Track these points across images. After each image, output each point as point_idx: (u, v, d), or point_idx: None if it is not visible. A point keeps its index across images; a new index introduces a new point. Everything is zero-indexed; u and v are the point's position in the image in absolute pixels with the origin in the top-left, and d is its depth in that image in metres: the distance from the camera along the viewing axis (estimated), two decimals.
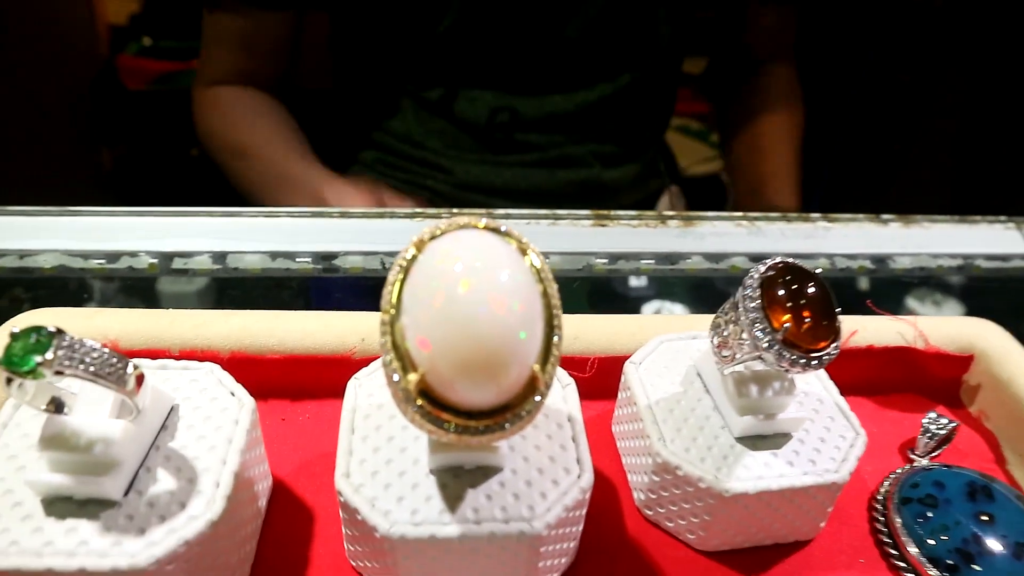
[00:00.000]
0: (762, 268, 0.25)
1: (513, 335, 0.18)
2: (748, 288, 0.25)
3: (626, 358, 0.31)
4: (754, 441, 0.27)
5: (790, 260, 0.25)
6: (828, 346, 0.24)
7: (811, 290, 0.25)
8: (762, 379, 0.27)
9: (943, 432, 0.32)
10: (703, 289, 0.46)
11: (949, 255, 0.48)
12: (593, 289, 0.46)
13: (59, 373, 0.20)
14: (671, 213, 0.49)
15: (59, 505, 0.22)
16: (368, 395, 0.26)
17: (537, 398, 0.20)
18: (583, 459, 0.25)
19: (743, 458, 0.26)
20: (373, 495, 0.23)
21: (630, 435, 0.30)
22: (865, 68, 1.13)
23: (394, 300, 0.20)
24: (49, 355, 0.19)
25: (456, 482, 0.23)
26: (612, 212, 0.48)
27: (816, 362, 0.24)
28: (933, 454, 0.32)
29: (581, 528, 0.26)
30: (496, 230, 0.21)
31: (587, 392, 0.33)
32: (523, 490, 0.23)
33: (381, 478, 0.23)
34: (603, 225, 0.48)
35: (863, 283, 0.47)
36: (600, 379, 0.32)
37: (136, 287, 0.42)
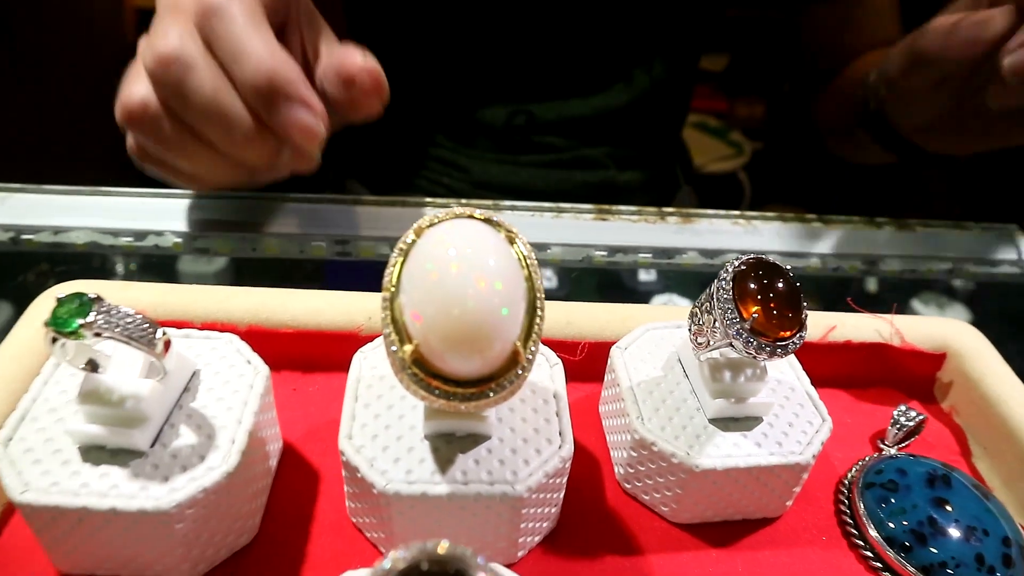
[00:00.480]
0: (736, 263, 0.27)
1: (496, 311, 0.20)
2: (722, 280, 0.27)
3: (614, 344, 0.33)
4: (726, 423, 0.29)
5: (763, 256, 0.28)
6: (793, 335, 0.27)
7: (780, 285, 0.27)
8: (735, 366, 0.29)
9: (911, 424, 0.34)
10: (700, 283, 0.48)
11: (939, 258, 0.50)
12: (601, 281, 0.48)
13: (97, 335, 0.22)
14: (670, 210, 0.51)
15: (94, 453, 0.25)
16: (371, 367, 0.29)
17: (519, 371, 0.22)
18: (565, 432, 0.27)
19: (714, 438, 0.29)
20: (372, 456, 0.25)
21: (613, 414, 0.32)
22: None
23: (394, 280, 0.22)
24: (90, 318, 0.22)
25: (448, 447, 0.26)
26: (613, 207, 0.50)
27: (781, 350, 0.26)
28: (902, 444, 0.34)
29: (562, 496, 0.28)
30: (488, 220, 0.23)
31: (577, 375, 0.35)
32: (508, 457, 0.26)
33: (380, 441, 0.26)
34: (604, 219, 0.50)
35: (853, 283, 0.49)
36: (590, 363, 0.35)
37: (161, 264, 0.45)
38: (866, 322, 0.37)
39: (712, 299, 0.27)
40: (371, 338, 0.32)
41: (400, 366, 0.22)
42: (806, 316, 0.27)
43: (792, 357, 0.33)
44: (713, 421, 0.29)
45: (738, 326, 0.26)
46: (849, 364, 0.37)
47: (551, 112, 0.65)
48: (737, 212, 0.51)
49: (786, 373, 0.32)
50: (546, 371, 0.29)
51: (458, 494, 0.24)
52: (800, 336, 0.27)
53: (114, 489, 0.24)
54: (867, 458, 0.33)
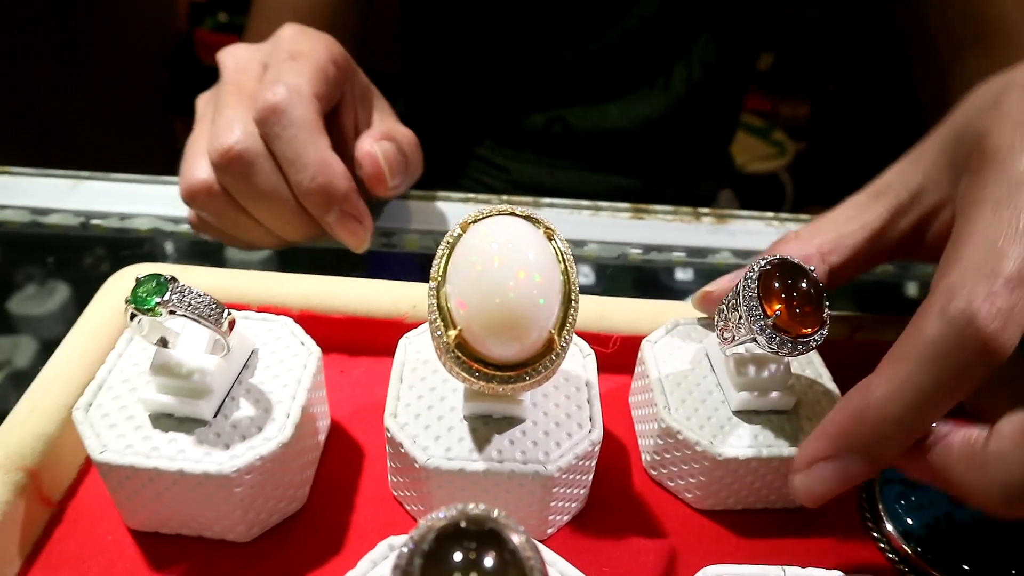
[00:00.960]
0: (762, 262, 0.29)
1: (534, 301, 0.22)
2: (748, 279, 0.28)
3: (645, 337, 0.35)
4: (749, 415, 0.31)
5: (788, 257, 0.29)
6: (814, 333, 0.28)
7: (803, 284, 0.28)
8: (759, 361, 0.30)
9: None
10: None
11: None
12: (636, 278, 0.50)
13: (172, 313, 0.25)
14: (705, 210, 0.52)
15: (163, 420, 0.27)
16: (416, 352, 0.31)
17: (553, 357, 0.24)
18: (595, 418, 0.29)
19: (737, 428, 0.30)
20: (415, 433, 0.27)
21: (642, 404, 0.33)
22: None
23: (440, 270, 0.24)
24: (166, 297, 0.24)
25: (485, 428, 0.28)
26: (650, 206, 0.52)
27: (802, 346, 0.28)
28: None
29: (590, 479, 0.30)
30: (528, 217, 0.25)
31: (610, 367, 0.37)
32: (541, 439, 0.27)
33: (422, 420, 0.28)
34: (640, 218, 0.51)
35: (886, 286, 0.49)
36: (621, 356, 0.36)
37: (210, 252, 0.48)
38: (892, 323, 0.38)
39: (738, 296, 0.29)
40: (415, 325, 0.34)
41: (444, 349, 0.24)
42: (827, 315, 0.29)
43: (815, 355, 0.34)
44: (737, 413, 0.31)
45: (762, 322, 0.28)
46: (875, 364, 0.38)
47: (587, 121, 0.66)
48: (771, 214, 0.52)
49: (808, 370, 0.33)
50: (579, 361, 0.31)
51: (493, 471, 0.26)
52: (821, 334, 0.28)
53: (181, 453, 0.26)
54: None
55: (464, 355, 0.24)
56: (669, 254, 0.49)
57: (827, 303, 0.28)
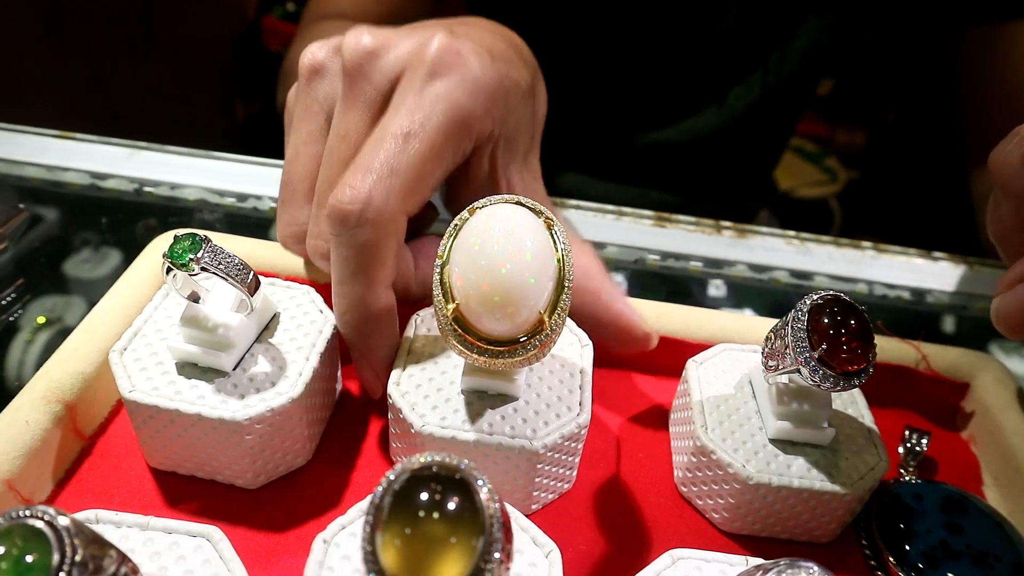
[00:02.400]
0: (815, 296, 0.29)
1: (524, 280, 0.24)
2: (799, 311, 0.29)
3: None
4: (785, 445, 0.31)
5: (841, 294, 0.30)
6: (859, 371, 0.29)
7: (852, 322, 0.29)
8: (802, 393, 0.31)
9: (922, 448, 0.36)
10: (751, 297, 0.50)
11: (988, 297, 0.50)
12: (652, 283, 0.51)
13: (204, 269, 0.27)
14: (727, 224, 0.53)
15: (188, 368, 0.30)
16: (426, 329, 0.33)
17: (543, 337, 0.26)
18: (585, 403, 0.30)
19: (771, 456, 0.31)
20: (414, 401, 0.30)
21: (680, 421, 0.35)
22: None
23: (447, 250, 0.26)
24: (199, 254, 0.27)
25: (480, 403, 0.30)
26: (673, 215, 0.53)
27: (844, 383, 0.28)
28: (912, 465, 0.36)
29: (577, 460, 0.32)
30: (532, 208, 0.27)
31: (612, 362, 0.38)
32: (531, 417, 0.29)
33: (422, 390, 0.30)
34: (662, 226, 0.53)
35: (896, 312, 0.50)
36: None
37: (259, 224, 0.51)
38: (895, 346, 0.39)
39: (787, 326, 0.30)
40: (425, 304, 0.36)
41: (444, 322, 0.26)
42: (874, 355, 0.29)
43: (859, 394, 0.34)
44: (773, 442, 0.31)
45: (807, 354, 0.28)
46: (871, 385, 0.39)
47: (639, 136, 0.65)
48: (793, 233, 0.53)
49: (850, 407, 0.34)
50: (577, 350, 0.33)
51: (482, 442, 0.28)
52: (866, 372, 0.29)
53: (201, 399, 0.29)
54: (887, 482, 0.35)
55: (461, 328, 0.26)
56: (686, 263, 0.50)
57: (875, 344, 0.29)
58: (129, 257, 0.48)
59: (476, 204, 0.27)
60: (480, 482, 0.19)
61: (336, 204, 0.29)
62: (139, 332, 0.31)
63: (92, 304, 0.35)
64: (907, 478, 0.35)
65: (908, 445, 0.36)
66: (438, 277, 0.26)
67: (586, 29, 0.63)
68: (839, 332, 0.29)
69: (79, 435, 0.31)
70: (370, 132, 0.32)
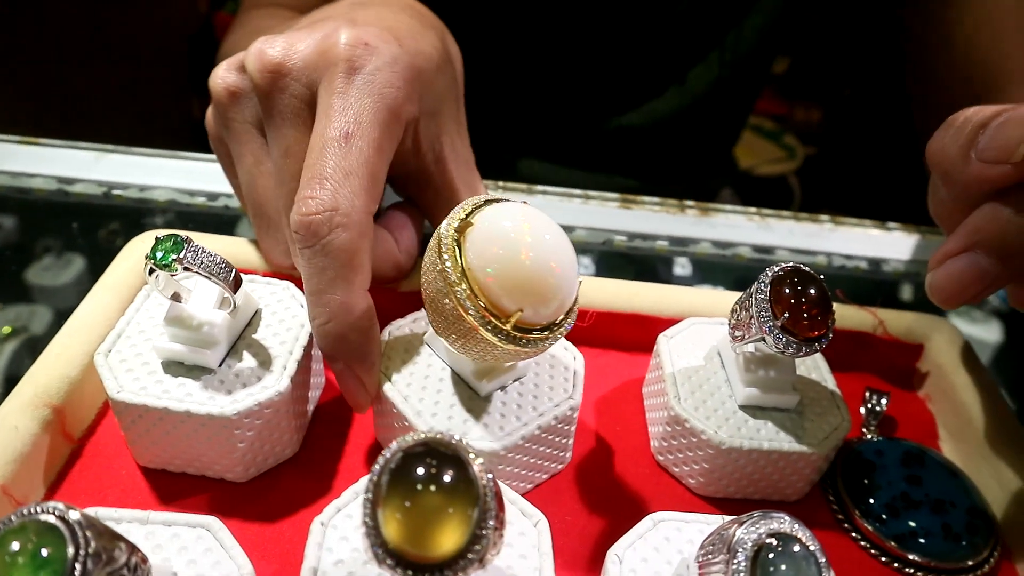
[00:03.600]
0: (776, 269, 0.31)
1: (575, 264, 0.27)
2: (761, 283, 0.31)
3: (619, 315, 0.38)
4: (754, 411, 0.33)
5: (801, 265, 0.31)
6: (820, 336, 0.30)
7: (812, 291, 0.30)
8: (767, 361, 0.33)
9: (881, 408, 0.38)
10: (716, 272, 0.52)
11: None
12: (619, 264, 0.52)
13: (187, 269, 0.28)
14: (690, 203, 0.55)
15: (174, 367, 0.30)
16: (387, 335, 0.34)
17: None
18: (577, 386, 0.31)
19: (741, 421, 0.33)
20: (419, 409, 0.30)
21: (654, 394, 0.36)
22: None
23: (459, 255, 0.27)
24: (182, 255, 0.27)
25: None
26: (637, 197, 0.55)
27: (807, 348, 0.30)
28: (873, 424, 0.38)
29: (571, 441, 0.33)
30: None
31: (585, 340, 0.40)
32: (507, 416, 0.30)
33: (418, 390, 0.31)
34: (628, 208, 0.54)
35: (857, 282, 0.52)
36: (596, 330, 0.39)
37: (231, 222, 0.51)
38: (853, 313, 0.40)
39: (751, 298, 0.31)
40: (411, 293, 0.37)
41: (476, 314, 0.27)
42: (833, 321, 0.31)
43: (821, 359, 0.36)
44: (743, 408, 0.33)
45: (771, 323, 0.30)
46: (833, 351, 0.41)
47: (600, 122, 0.66)
48: (754, 209, 0.55)
49: (813, 372, 0.36)
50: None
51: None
52: (826, 338, 0.31)
53: (189, 396, 0.29)
54: (850, 441, 0.37)
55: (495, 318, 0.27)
56: (653, 242, 0.52)
57: (833, 311, 0.31)
58: (98, 262, 0.48)
59: (472, 203, 0.28)
60: (472, 455, 0.20)
61: (302, 218, 0.29)
62: (123, 334, 0.31)
63: (62, 311, 0.35)
64: (869, 436, 0.37)
65: (869, 406, 0.38)
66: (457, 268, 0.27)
67: (545, 15, 0.64)
68: (799, 301, 0.30)
69: (68, 438, 0.32)
70: (307, 140, 0.32)
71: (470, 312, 0.26)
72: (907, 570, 0.32)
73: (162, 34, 1.53)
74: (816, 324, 0.30)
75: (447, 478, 0.20)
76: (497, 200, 0.28)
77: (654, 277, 0.51)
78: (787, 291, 0.31)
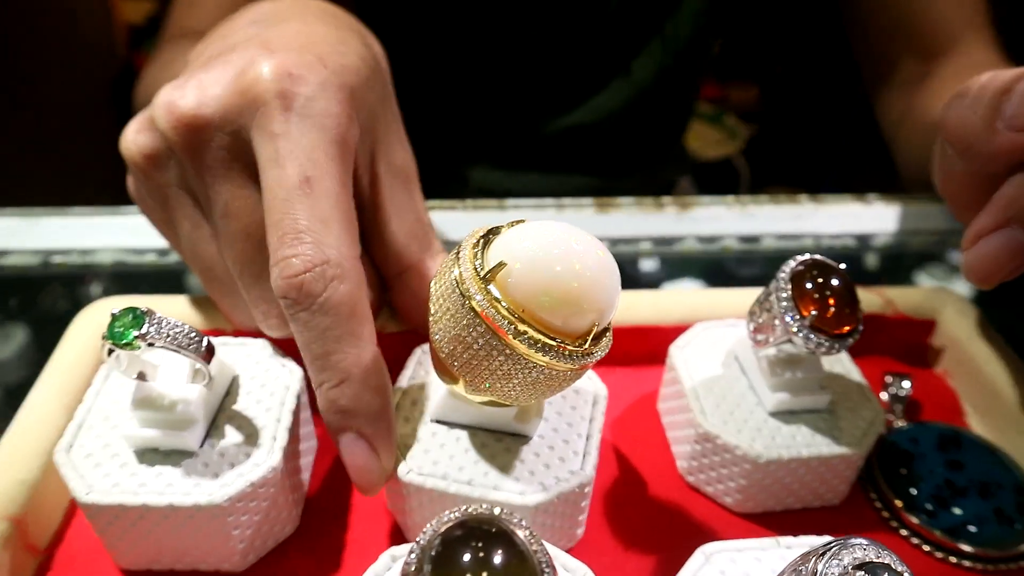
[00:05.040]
0: (793, 263, 0.29)
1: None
2: (780, 280, 0.29)
3: (619, 328, 0.36)
4: (786, 416, 0.31)
5: (818, 257, 0.29)
6: (851, 331, 0.28)
7: (835, 283, 0.29)
8: (793, 361, 0.31)
9: (905, 392, 0.36)
10: (701, 268, 0.50)
11: (929, 232, 0.52)
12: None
13: (151, 345, 0.24)
14: (668, 199, 0.53)
15: (148, 455, 0.27)
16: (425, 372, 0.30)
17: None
18: (590, 453, 0.28)
19: (775, 430, 0.30)
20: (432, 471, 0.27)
21: (674, 410, 0.34)
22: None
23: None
24: (144, 330, 0.24)
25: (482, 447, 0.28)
26: (613, 199, 0.52)
27: (839, 345, 0.28)
28: (900, 410, 0.36)
29: (582, 515, 0.29)
30: None
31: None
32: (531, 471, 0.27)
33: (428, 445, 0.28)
34: (605, 211, 0.52)
35: (849, 261, 0.51)
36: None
37: (187, 277, 0.47)
38: (859, 295, 0.39)
39: (771, 297, 0.29)
40: (394, 336, 0.34)
41: (504, 323, 0.23)
42: (860, 313, 0.29)
43: (844, 353, 0.34)
44: (773, 415, 0.31)
45: (799, 323, 0.28)
46: None
47: (550, 123, 0.65)
48: (732, 198, 0.53)
49: (838, 368, 0.34)
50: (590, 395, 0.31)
51: (461, 494, 0.26)
52: (858, 331, 0.29)
53: (170, 487, 0.26)
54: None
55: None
56: (636, 245, 0.50)
57: (859, 300, 0.29)
58: (42, 337, 0.43)
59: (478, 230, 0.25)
60: (517, 527, 0.18)
61: (288, 281, 0.25)
62: (84, 424, 0.28)
63: (10, 388, 0.31)
64: (898, 424, 0.35)
65: (892, 391, 0.36)
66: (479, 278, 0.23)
67: (483, 15, 0.62)
68: (824, 295, 0.28)
69: (33, 550, 0.28)
70: (248, 193, 0.29)
71: (537, 346, 0.23)
72: (964, 563, 0.30)
73: (83, 82, 1.46)
74: (845, 318, 0.28)
75: (498, 560, 0.17)
76: (492, 230, 0.25)
77: (642, 282, 0.49)
78: (809, 286, 0.29)
